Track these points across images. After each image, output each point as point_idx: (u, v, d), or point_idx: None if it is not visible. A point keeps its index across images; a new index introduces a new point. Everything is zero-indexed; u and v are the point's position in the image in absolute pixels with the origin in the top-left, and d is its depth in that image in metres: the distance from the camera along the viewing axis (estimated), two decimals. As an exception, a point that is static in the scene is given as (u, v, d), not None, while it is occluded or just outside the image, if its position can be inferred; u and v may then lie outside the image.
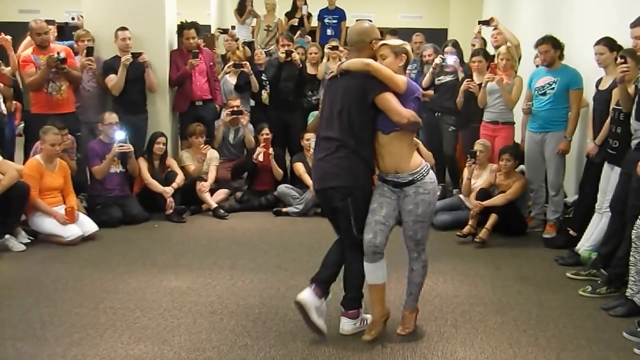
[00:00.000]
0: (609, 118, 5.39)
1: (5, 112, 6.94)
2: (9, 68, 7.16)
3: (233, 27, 10.03)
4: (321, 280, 4.17)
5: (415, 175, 3.99)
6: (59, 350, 3.90)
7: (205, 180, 7.30)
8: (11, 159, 6.76)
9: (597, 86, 5.72)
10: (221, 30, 9.69)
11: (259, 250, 5.92)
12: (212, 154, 7.60)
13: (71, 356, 3.84)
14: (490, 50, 7.73)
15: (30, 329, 4.20)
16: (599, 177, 5.44)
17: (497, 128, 6.88)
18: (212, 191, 7.37)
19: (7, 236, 5.79)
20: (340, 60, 8.25)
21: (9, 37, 7.23)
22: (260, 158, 7.32)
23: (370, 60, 3.90)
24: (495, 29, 7.60)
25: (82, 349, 3.92)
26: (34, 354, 3.86)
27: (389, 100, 3.86)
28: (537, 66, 6.71)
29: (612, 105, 5.31)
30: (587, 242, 5.53)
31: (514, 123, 6.97)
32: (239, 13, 10.83)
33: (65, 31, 8.88)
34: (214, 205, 7.14)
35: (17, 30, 7.63)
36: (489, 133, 6.90)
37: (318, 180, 4.10)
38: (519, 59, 7.13)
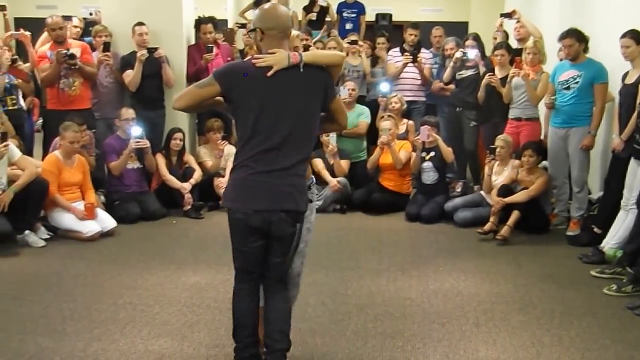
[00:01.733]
0: (635, 112, 5.30)
1: (25, 107, 6.95)
2: (27, 64, 7.17)
3: (242, 25, 9.92)
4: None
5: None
6: (80, 345, 3.90)
7: (223, 176, 7.27)
8: (30, 154, 6.77)
9: (623, 80, 5.64)
10: (239, 25, 9.65)
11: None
12: (230, 150, 7.54)
13: (92, 351, 3.83)
14: (513, 43, 7.64)
15: (51, 324, 4.20)
16: (625, 173, 5.36)
17: (521, 124, 6.80)
18: (230, 187, 7.34)
19: (26, 232, 5.80)
20: (359, 55, 8.22)
21: (28, 33, 7.24)
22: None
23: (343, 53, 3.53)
24: (517, 21, 7.50)
25: (102, 344, 3.91)
26: (55, 348, 3.86)
27: (340, 101, 3.49)
28: (560, 60, 6.62)
29: (639, 100, 5.22)
30: (612, 239, 5.44)
31: (539, 119, 6.88)
32: (256, 5, 10.77)
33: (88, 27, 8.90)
34: (232, 201, 7.10)
35: (35, 26, 7.66)
36: (512, 130, 6.83)
37: (266, 199, 3.21)
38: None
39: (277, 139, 3.19)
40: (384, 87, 7.80)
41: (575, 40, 6.01)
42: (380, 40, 8.66)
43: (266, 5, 3.40)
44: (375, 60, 8.66)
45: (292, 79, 3.21)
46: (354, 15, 10.79)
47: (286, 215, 3.25)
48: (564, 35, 6.07)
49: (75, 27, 7.72)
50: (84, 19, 8.07)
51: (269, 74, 3.15)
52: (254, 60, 3.20)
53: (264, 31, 3.27)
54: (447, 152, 6.90)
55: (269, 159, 3.19)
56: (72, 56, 6.67)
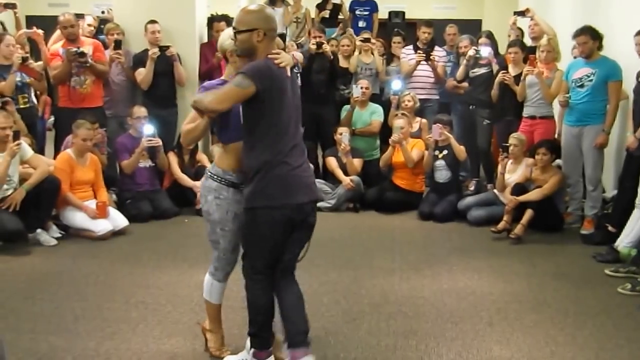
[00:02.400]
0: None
1: (37, 106, 6.97)
2: (40, 62, 7.19)
3: None
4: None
5: None
6: (92, 344, 3.90)
7: (235, 175, 7.26)
8: (42, 153, 6.78)
9: (637, 78, 5.61)
10: None
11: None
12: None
13: (104, 350, 3.83)
14: (528, 41, 7.59)
15: (63, 322, 4.20)
16: (639, 171, 5.30)
17: (535, 123, 6.76)
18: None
19: (38, 230, 5.82)
20: (372, 53, 8.19)
21: (40, 31, 7.26)
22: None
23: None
24: (531, 19, 7.45)
25: (114, 343, 3.91)
26: (66, 348, 3.85)
27: None
28: (574, 57, 6.57)
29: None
30: (627, 238, 5.39)
31: (553, 117, 6.83)
32: (271, 3, 10.74)
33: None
34: (244, 200, 7.09)
35: (47, 24, 7.67)
36: (527, 128, 6.79)
37: (305, 193, 3.39)
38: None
39: (298, 134, 3.46)
40: (395, 84, 7.77)
41: (590, 37, 5.97)
42: (397, 39, 8.63)
43: (256, 7, 3.47)
44: (390, 58, 8.62)
45: (294, 79, 3.45)
46: (366, 13, 10.74)
47: (314, 204, 3.51)
48: (579, 33, 6.02)
49: (90, 25, 7.74)
50: (97, 17, 8.07)
51: (288, 74, 3.35)
52: (276, 61, 3.29)
53: (266, 32, 3.31)
54: (460, 150, 6.87)
55: (297, 154, 3.40)
56: (82, 54, 6.68)
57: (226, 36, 3.55)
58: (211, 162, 7.12)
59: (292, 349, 3.43)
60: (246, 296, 3.57)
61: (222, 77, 3.65)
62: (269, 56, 3.31)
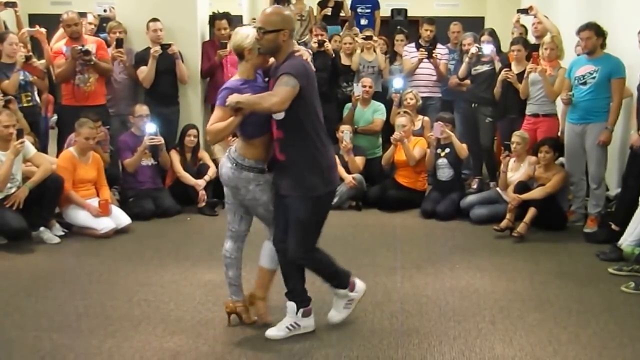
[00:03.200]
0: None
1: (40, 104, 6.97)
2: (42, 61, 7.19)
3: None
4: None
5: None
6: (95, 342, 3.90)
7: (237, 173, 7.26)
8: (45, 151, 6.80)
9: (641, 75, 5.57)
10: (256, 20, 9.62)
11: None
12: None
13: (106, 348, 3.83)
14: (531, 39, 7.58)
15: (66, 320, 4.21)
16: (643, 169, 5.31)
17: (538, 121, 6.75)
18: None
19: (41, 228, 5.82)
20: (374, 51, 8.18)
21: (43, 30, 7.26)
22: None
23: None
24: (534, 17, 7.43)
25: (117, 341, 3.91)
26: (70, 345, 3.86)
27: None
28: (577, 55, 6.55)
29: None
30: (630, 236, 5.38)
31: (557, 115, 6.82)
32: (277, 2, 10.73)
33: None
34: (246, 198, 7.09)
35: (50, 22, 7.67)
36: (530, 126, 6.78)
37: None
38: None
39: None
40: (397, 82, 7.75)
41: (594, 33, 5.95)
42: (399, 37, 8.62)
43: (278, 8, 3.82)
44: (393, 57, 8.62)
45: None
46: (368, 11, 10.74)
47: None
48: (583, 28, 6.00)
49: (90, 23, 7.74)
50: (99, 15, 8.07)
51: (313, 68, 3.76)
52: (303, 57, 3.69)
53: (290, 32, 3.67)
54: (461, 148, 6.85)
55: (328, 141, 3.91)
56: (87, 52, 6.68)
57: (245, 35, 3.73)
58: (213, 160, 7.21)
59: (349, 285, 4.07)
60: (316, 269, 4.05)
61: (239, 76, 3.83)
62: (296, 54, 3.68)
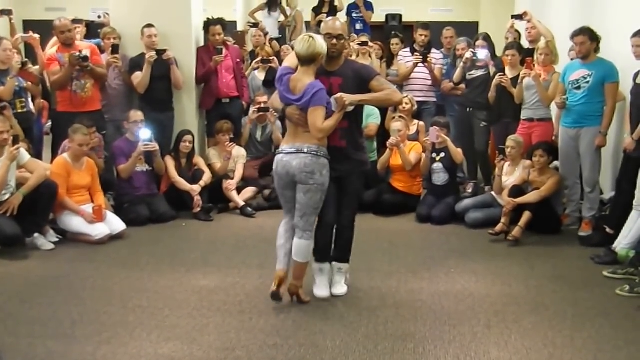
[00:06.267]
0: (647, 112, 5.26)
1: (34, 110, 6.96)
2: (37, 67, 7.18)
3: (254, 25, 9.89)
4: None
5: None
6: (89, 349, 3.89)
7: (232, 178, 7.26)
8: (39, 157, 6.77)
9: (634, 79, 5.60)
10: (251, 24, 9.63)
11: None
12: (239, 152, 7.55)
13: (101, 355, 3.82)
14: (525, 43, 7.59)
15: (60, 327, 4.19)
16: (637, 173, 5.33)
17: (533, 125, 6.76)
18: (239, 189, 7.33)
19: (35, 235, 5.81)
20: (370, 56, 8.18)
21: (37, 36, 7.26)
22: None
23: None
24: (528, 22, 7.45)
25: (111, 348, 3.90)
26: (64, 352, 3.85)
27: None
28: (571, 59, 6.57)
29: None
30: (625, 240, 5.38)
31: (551, 119, 6.83)
32: (268, 6, 10.76)
33: (91, 29, 8.93)
34: (241, 203, 7.09)
35: (44, 28, 7.66)
36: (525, 130, 6.79)
37: None
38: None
39: None
40: None
41: (588, 38, 5.96)
42: (395, 40, 8.64)
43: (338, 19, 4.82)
44: (390, 62, 8.62)
45: None
46: (362, 15, 10.77)
47: None
48: (577, 33, 6.02)
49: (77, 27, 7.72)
50: (92, 21, 8.08)
51: None
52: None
53: None
54: (456, 152, 6.86)
55: None
56: (86, 58, 6.66)
57: (322, 43, 4.29)
58: (208, 165, 7.20)
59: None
60: (350, 240, 4.73)
61: (311, 79, 4.30)
62: (348, 58, 4.80)
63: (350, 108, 4.31)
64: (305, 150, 4.29)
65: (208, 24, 7.62)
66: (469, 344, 4.00)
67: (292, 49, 8.63)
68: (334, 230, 4.65)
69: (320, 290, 4.64)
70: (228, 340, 4.01)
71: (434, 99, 8.27)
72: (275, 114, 7.70)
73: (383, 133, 7.64)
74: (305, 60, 4.28)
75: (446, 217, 6.69)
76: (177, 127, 7.39)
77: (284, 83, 4.36)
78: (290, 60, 4.49)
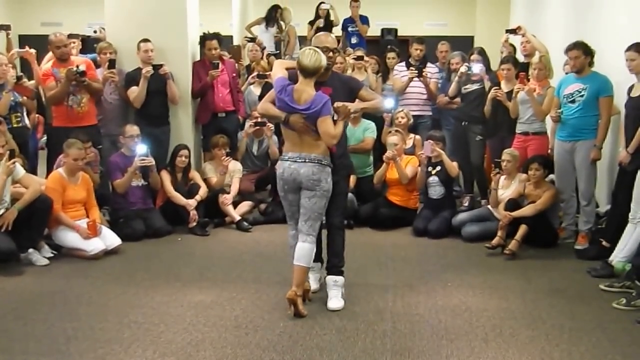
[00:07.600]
0: (641, 125, 5.27)
1: (29, 125, 6.95)
2: (32, 81, 7.17)
3: (251, 39, 9.91)
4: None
5: None
6: (83, 365, 3.86)
7: (228, 193, 7.25)
8: (34, 172, 6.76)
9: (628, 93, 5.62)
10: (248, 39, 9.66)
11: (283, 263, 5.79)
12: (235, 166, 7.53)
13: (95, 372, 3.80)
14: (520, 57, 7.62)
15: (55, 343, 4.16)
16: (632, 185, 5.32)
17: (528, 139, 6.77)
18: (235, 203, 7.32)
19: (30, 250, 5.77)
20: (365, 70, 8.20)
21: (33, 51, 7.26)
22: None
23: None
24: (523, 36, 7.48)
25: (106, 364, 3.87)
26: (57, 369, 3.82)
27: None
28: (566, 73, 6.60)
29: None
30: (621, 253, 5.38)
31: (546, 133, 6.85)
32: (265, 20, 10.81)
33: (87, 44, 8.94)
34: (237, 217, 7.07)
35: (40, 43, 7.67)
36: (520, 144, 6.80)
37: None
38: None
39: None
40: (387, 103, 7.73)
41: (582, 52, 5.99)
42: (390, 55, 8.66)
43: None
44: (386, 76, 8.64)
45: None
46: (358, 29, 10.82)
47: None
48: (571, 47, 6.05)
49: (72, 42, 7.74)
50: (88, 36, 8.09)
51: None
52: None
53: None
54: (451, 166, 6.86)
55: None
56: (83, 73, 6.66)
57: (323, 57, 4.51)
58: (204, 179, 7.19)
59: None
60: (342, 243, 4.87)
61: (314, 90, 4.54)
62: (334, 70, 5.03)
63: (352, 115, 4.80)
64: (313, 159, 4.55)
65: (204, 39, 7.63)
66: (466, 358, 3.98)
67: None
68: (326, 235, 4.90)
69: (310, 282, 4.93)
70: (224, 356, 3.99)
71: (430, 113, 8.29)
72: (272, 127, 7.73)
73: (379, 147, 7.64)
74: (310, 72, 4.50)
75: (443, 231, 6.69)
76: (173, 141, 7.38)
77: (288, 93, 4.51)
78: (280, 71, 4.68)
